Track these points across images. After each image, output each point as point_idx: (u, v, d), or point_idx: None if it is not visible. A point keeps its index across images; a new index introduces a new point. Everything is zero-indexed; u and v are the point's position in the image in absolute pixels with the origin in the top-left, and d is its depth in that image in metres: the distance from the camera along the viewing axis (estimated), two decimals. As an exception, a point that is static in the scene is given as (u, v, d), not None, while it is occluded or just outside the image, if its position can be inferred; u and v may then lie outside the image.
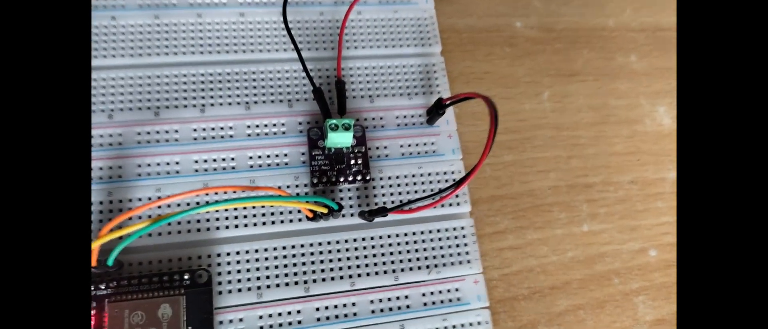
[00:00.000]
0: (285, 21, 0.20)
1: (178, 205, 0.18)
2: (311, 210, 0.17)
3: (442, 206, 0.20)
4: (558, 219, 0.22)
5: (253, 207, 0.18)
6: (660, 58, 0.26)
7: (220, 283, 0.17)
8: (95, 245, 0.15)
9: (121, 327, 0.16)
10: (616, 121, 0.25)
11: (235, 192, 0.18)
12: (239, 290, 0.18)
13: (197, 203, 0.18)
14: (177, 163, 0.19)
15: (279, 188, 0.18)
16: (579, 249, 0.22)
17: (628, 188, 0.23)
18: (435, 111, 0.20)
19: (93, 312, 0.16)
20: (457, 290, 0.19)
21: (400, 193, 0.20)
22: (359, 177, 0.19)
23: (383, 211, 0.18)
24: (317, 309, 0.18)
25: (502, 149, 0.23)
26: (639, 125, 0.25)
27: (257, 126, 0.20)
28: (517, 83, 0.24)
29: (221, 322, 0.17)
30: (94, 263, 0.16)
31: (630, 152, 0.24)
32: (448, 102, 0.19)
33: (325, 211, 0.17)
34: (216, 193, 0.18)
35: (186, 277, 0.17)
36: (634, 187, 0.23)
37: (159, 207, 0.18)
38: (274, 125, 0.20)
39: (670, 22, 0.27)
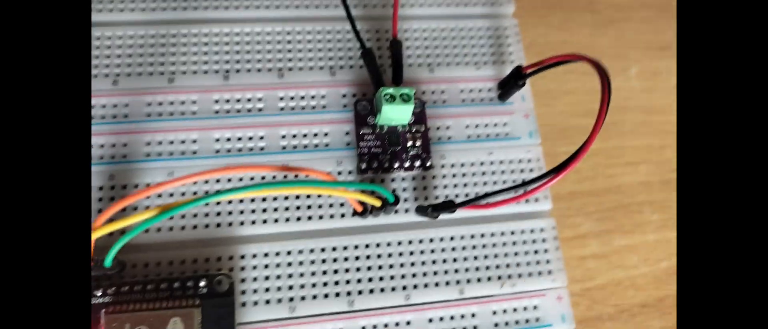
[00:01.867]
0: None
1: (194, 193, 0.15)
2: (361, 202, 0.14)
3: (518, 203, 0.16)
4: (650, 222, 0.18)
5: (287, 197, 0.15)
6: None
7: (243, 293, 0.14)
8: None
9: None
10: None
11: (264, 176, 0.14)
12: (267, 301, 0.14)
13: (217, 191, 0.14)
14: (194, 141, 0.15)
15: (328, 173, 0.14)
16: (675, 259, 0.18)
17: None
18: (512, 83, 0.16)
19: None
20: (535, 307, 0.15)
21: (465, 184, 0.16)
22: (418, 163, 0.15)
23: (450, 206, 0.14)
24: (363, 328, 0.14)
25: (582, 134, 0.19)
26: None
27: (292, 98, 0.16)
28: (599, 57, 0.20)
29: (245, 341, 0.14)
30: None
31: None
32: (530, 71, 0.16)
33: (379, 204, 0.14)
34: (240, 178, 0.15)
35: (202, 284, 0.13)
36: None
37: (171, 195, 0.15)
38: (313, 97, 0.16)
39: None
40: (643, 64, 0.21)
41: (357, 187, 0.14)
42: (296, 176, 0.14)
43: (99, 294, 0.13)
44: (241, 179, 0.15)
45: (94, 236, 0.11)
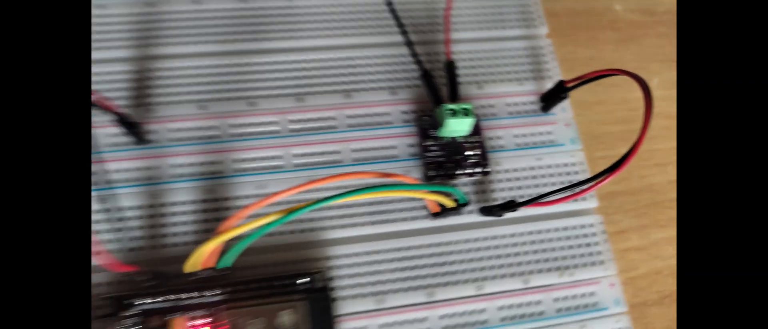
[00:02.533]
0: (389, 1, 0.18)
1: (297, 202, 0.16)
2: (439, 204, 0.16)
3: (569, 202, 0.18)
4: None
5: (370, 204, 0.17)
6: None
7: (337, 288, 0.16)
8: (215, 244, 0.13)
9: None
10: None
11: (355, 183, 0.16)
12: (357, 296, 0.16)
13: (326, 197, 0.16)
14: (279, 157, 0.17)
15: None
16: None
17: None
18: (555, 96, 0.18)
19: (209, 320, 0.14)
20: (592, 294, 0.17)
21: (520, 187, 0.18)
22: (478, 169, 0.17)
23: (513, 205, 0.16)
24: (443, 317, 0.16)
25: (615, 140, 0.21)
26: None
27: (360, 116, 0.18)
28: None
29: (340, 332, 0.15)
30: (211, 264, 0.14)
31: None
32: (572, 85, 0.18)
33: (454, 205, 0.15)
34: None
35: (306, 281, 0.15)
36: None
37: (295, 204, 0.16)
38: (377, 114, 0.18)
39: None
40: (663, 75, 0.23)
41: (438, 189, 0.15)
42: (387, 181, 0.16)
43: (219, 292, 0.14)
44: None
45: (223, 238, 0.13)
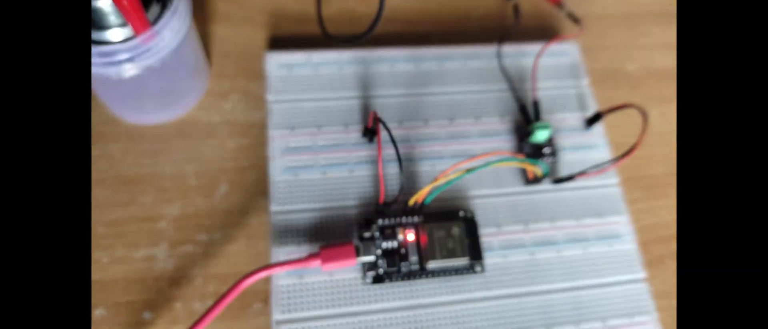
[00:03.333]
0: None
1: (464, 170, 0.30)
2: (533, 174, 0.29)
3: (603, 174, 0.31)
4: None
5: (495, 172, 0.31)
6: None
7: (475, 218, 0.29)
8: (426, 190, 0.27)
9: (431, 240, 0.28)
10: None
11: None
12: (489, 224, 0.29)
13: (468, 169, 0.29)
14: (440, 152, 0.31)
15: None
16: None
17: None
18: (595, 119, 0.32)
19: (412, 232, 0.28)
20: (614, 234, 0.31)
21: (574, 169, 0.32)
22: (551, 159, 0.31)
23: (571, 177, 0.30)
24: (534, 238, 0.30)
25: (627, 145, 0.35)
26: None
27: (484, 130, 0.32)
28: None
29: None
30: (421, 200, 0.28)
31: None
32: (604, 113, 0.31)
33: (541, 175, 0.29)
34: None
35: (462, 213, 0.29)
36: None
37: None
38: (495, 129, 0.32)
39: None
40: (661, 109, 0.36)
41: (533, 161, 0.29)
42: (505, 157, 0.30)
43: (421, 215, 0.28)
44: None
45: (434, 185, 0.27)
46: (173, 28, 0.26)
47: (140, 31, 0.25)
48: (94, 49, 0.25)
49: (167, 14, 0.26)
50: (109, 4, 0.24)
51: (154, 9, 0.26)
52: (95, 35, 0.25)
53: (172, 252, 0.28)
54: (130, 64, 0.26)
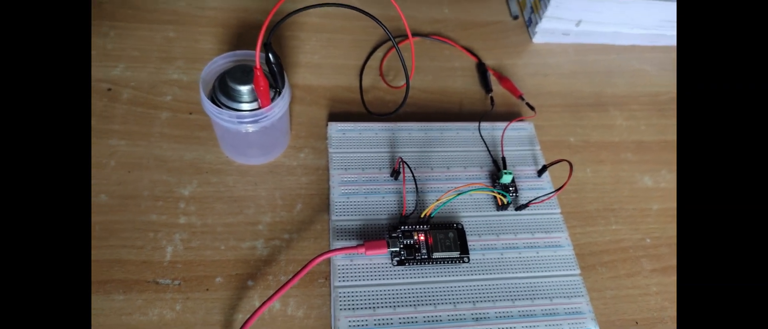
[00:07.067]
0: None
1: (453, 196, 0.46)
2: (501, 201, 0.45)
3: (544, 203, 0.47)
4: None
5: (474, 197, 0.46)
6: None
7: (464, 227, 0.45)
8: (432, 206, 0.43)
9: (435, 240, 0.43)
10: (623, 183, 0.52)
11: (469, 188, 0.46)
12: (472, 234, 0.44)
13: (459, 192, 0.45)
14: (442, 185, 0.47)
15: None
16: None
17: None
18: (543, 170, 0.48)
19: (423, 235, 0.43)
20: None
21: (529, 198, 0.47)
22: (514, 194, 0.47)
23: (527, 205, 0.45)
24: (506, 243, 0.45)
25: (567, 187, 0.50)
26: (635, 185, 0.52)
27: (471, 175, 0.48)
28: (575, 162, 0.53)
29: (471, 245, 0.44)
30: (429, 213, 0.43)
31: (632, 197, 0.51)
32: (549, 166, 0.48)
33: (506, 201, 0.45)
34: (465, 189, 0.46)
35: (456, 225, 0.44)
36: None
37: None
38: (475, 174, 0.48)
39: (648, 139, 0.56)
40: (593, 167, 0.53)
41: (501, 192, 0.45)
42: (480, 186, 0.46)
43: (429, 224, 0.43)
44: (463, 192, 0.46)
45: (435, 204, 0.43)
46: (280, 106, 0.44)
47: (265, 105, 0.42)
48: (233, 113, 0.42)
49: (278, 98, 0.43)
50: (249, 90, 0.42)
51: (272, 93, 0.44)
52: (235, 105, 0.42)
53: (267, 244, 0.43)
54: (253, 125, 0.43)
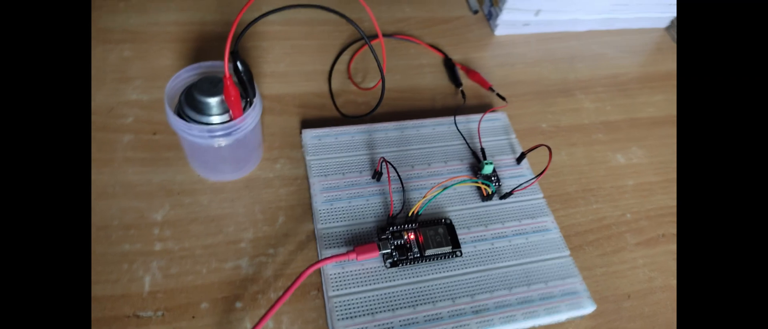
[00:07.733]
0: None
1: (439, 190, 0.45)
2: (485, 191, 0.45)
3: (526, 189, 0.47)
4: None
5: (460, 190, 0.46)
6: (614, 135, 0.56)
7: (452, 222, 0.44)
8: (419, 203, 0.42)
9: (426, 237, 0.42)
10: (598, 162, 0.53)
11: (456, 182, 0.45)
12: (460, 226, 0.44)
13: (445, 187, 0.45)
14: (426, 180, 0.46)
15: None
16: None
17: (609, 190, 0.51)
18: (522, 157, 0.48)
19: (413, 234, 0.42)
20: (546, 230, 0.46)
21: (512, 187, 0.47)
22: (497, 183, 0.47)
23: (511, 193, 0.45)
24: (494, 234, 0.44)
25: (547, 171, 0.51)
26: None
27: (453, 168, 0.48)
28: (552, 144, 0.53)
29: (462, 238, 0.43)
30: (416, 210, 0.42)
31: (607, 175, 0.52)
32: (528, 152, 0.48)
33: (491, 191, 0.45)
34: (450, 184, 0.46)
35: (444, 220, 0.43)
36: (612, 189, 0.51)
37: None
38: (458, 168, 0.48)
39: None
40: (567, 149, 0.53)
41: (485, 182, 0.45)
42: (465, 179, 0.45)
43: (418, 222, 0.42)
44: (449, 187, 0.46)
45: (422, 201, 0.42)
46: (253, 116, 0.42)
47: (237, 116, 0.40)
48: (203, 127, 0.40)
49: (250, 108, 0.42)
50: (219, 101, 0.40)
51: (243, 103, 0.42)
52: (205, 119, 0.40)
53: (252, 262, 0.41)
54: (225, 138, 0.41)
